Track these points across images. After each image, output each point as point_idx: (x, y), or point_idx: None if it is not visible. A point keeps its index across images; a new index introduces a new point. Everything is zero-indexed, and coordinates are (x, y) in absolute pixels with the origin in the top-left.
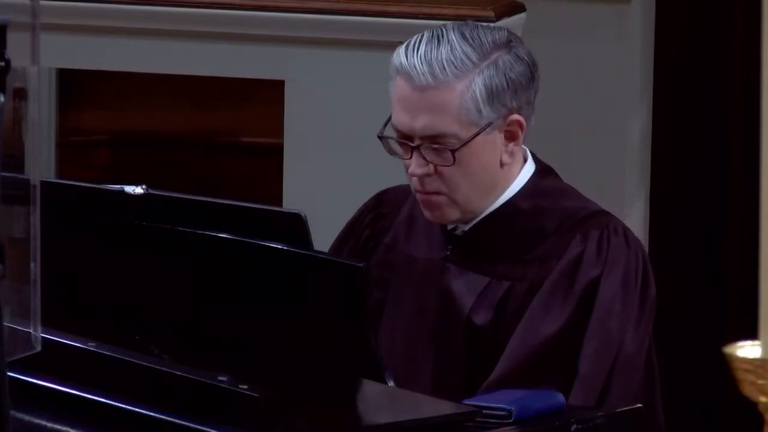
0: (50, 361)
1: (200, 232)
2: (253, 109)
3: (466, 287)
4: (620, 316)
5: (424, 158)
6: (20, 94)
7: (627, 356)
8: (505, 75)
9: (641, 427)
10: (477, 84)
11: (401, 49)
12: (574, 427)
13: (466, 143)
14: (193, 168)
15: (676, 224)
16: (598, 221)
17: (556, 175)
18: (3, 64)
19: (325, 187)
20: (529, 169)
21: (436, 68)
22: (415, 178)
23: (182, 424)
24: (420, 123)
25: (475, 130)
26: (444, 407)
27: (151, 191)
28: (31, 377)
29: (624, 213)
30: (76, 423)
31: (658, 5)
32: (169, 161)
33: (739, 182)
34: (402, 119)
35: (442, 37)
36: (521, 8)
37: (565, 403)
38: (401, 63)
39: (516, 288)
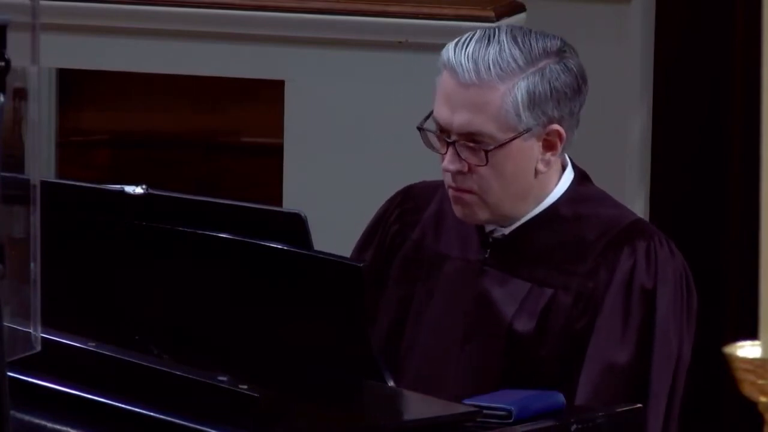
0: (50, 361)
1: (200, 232)
2: (253, 109)
3: (507, 293)
4: (676, 327)
5: (459, 155)
6: (20, 94)
7: (684, 366)
8: (549, 83)
9: (641, 427)
10: (520, 88)
11: (451, 45)
12: (574, 427)
13: (501, 145)
14: (193, 168)
15: (676, 224)
16: (641, 232)
17: (591, 180)
18: (3, 64)
19: (325, 187)
20: (569, 175)
21: (481, 67)
22: (448, 174)
23: (182, 424)
24: (458, 119)
25: (512, 134)
26: (444, 407)
27: (151, 191)
28: (31, 377)
29: None
30: (76, 423)
31: (658, 5)
32: (169, 161)
33: (739, 182)
34: (442, 113)
35: (493, 37)
36: (521, 8)
37: (565, 403)
38: (448, 58)
39: (560, 297)
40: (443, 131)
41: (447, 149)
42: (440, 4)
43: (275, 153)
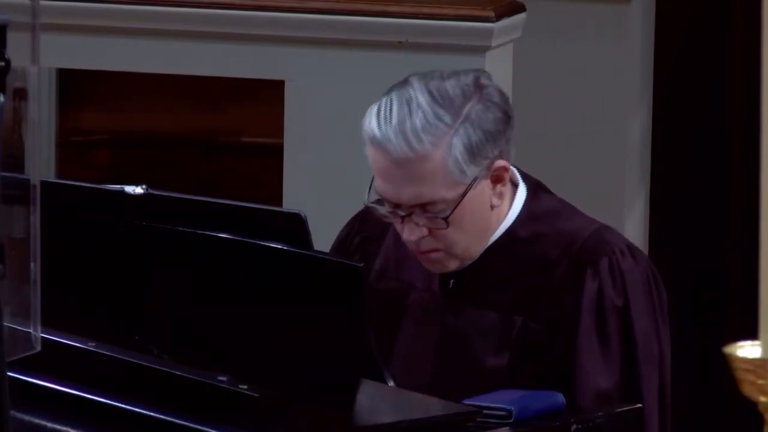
0: (50, 361)
1: (200, 232)
2: (253, 109)
3: (475, 325)
4: (654, 331)
5: (417, 224)
6: (20, 94)
7: (666, 363)
8: (481, 128)
9: (641, 427)
10: (455, 146)
11: (372, 118)
12: (574, 427)
13: (456, 206)
14: (193, 168)
15: (676, 224)
16: (602, 246)
17: (546, 189)
18: (3, 64)
19: (325, 187)
20: (521, 193)
21: (412, 139)
22: (410, 241)
23: (182, 424)
24: (406, 194)
25: (462, 189)
26: (444, 407)
27: (151, 191)
28: (31, 377)
29: (624, 213)
30: (76, 423)
31: (658, 5)
32: (169, 161)
33: (739, 182)
34: (386, 190)
35: (412, 100)
36: (521, 8)
37: (565, 402)
38: (374, 135)
39: (530, 325)
40: (393, 205)
41: (402, 221)
42: (440, 4)
43: (275, 153)
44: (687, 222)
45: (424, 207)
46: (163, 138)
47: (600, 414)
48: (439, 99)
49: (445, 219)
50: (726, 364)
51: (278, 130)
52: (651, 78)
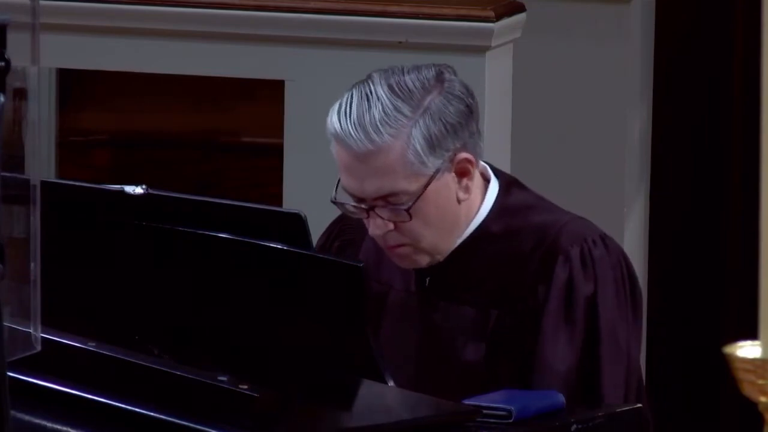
0: (50, 361)
1: (200, 232)
2: (253, 109)
3: (453, 321)
4: (622, 326)
5: (381, 217)
6: (20, 94)
7: (634, 362)
8: (441, 120)
9: (641, 427)
10: (415, 137)
11: (334, 115)
12: (574, 427)
13: (418, 197)
14: (193, 168)
15: (676, 224)
16: (574, 236)
17: (521, 185)
18: (3, 64)
19: (325, 187)
20: (493, 189)
21: (371, 132)
22: (377, 236)
23: (182, 424)
24: (369, 187)
25: (424, 181)
26: (444, 407)
27: (151, 191)
28: (31, 377)
29: (624, 213)
30: (76, 423)
31: (658, 5)
32: (169, 161)
33: (739, 182)
34: (350, 184)
35: (371, 94)
36: (521, 8)
37: (565, 402)
38: (335, 130)
39: (505, 318)
40: (358, 199)
41: (368, 215)
42: (440, 4)
43: (275, 153)
44: (687, 222)
45: (386, 199)
46: (163, 138)
47: (600, 414)
48: (398, 92)
49: (407, 211)
50: (726, 364)
51: (278, 130)
52: (651, 78)
